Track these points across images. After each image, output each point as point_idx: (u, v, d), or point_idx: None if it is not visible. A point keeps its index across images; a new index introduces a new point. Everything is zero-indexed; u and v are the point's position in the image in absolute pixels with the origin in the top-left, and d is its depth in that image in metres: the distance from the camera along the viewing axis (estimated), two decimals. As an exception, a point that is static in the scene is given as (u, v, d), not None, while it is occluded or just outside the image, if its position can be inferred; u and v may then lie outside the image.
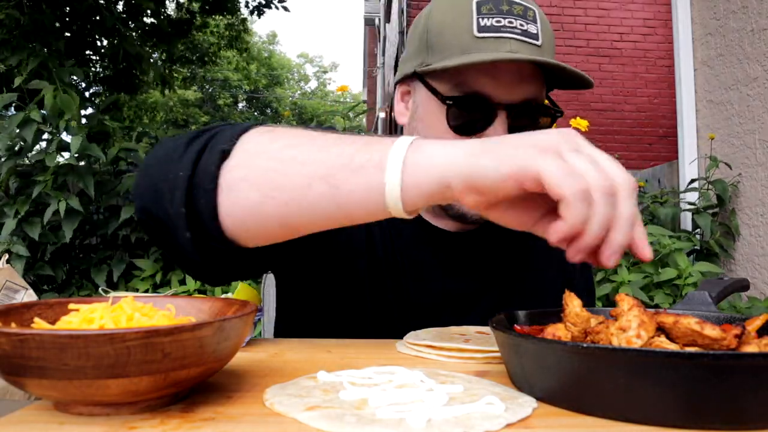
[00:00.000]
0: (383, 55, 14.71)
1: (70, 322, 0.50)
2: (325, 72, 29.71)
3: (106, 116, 3.32)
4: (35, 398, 0.53)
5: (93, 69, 6.05)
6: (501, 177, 0.49)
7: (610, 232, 0.48)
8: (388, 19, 12.56)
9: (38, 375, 0.42)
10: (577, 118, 2.68)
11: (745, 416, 0.42)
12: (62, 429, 0.43)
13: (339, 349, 0.73)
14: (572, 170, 0.47)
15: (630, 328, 0.50)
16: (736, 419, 0.42)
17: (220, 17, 6.79)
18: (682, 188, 3.09)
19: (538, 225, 0.55)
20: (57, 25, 4.94)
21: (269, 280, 1.30)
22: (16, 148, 2.98)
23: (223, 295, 0.73)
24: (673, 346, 0.48)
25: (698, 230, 2.86)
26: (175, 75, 6.55)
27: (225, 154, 0.60)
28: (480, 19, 0.80)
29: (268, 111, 23.81)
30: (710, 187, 2.79)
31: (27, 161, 3.08)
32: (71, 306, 0.53)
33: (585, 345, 0.45)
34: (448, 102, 0.83)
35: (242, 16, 6.81)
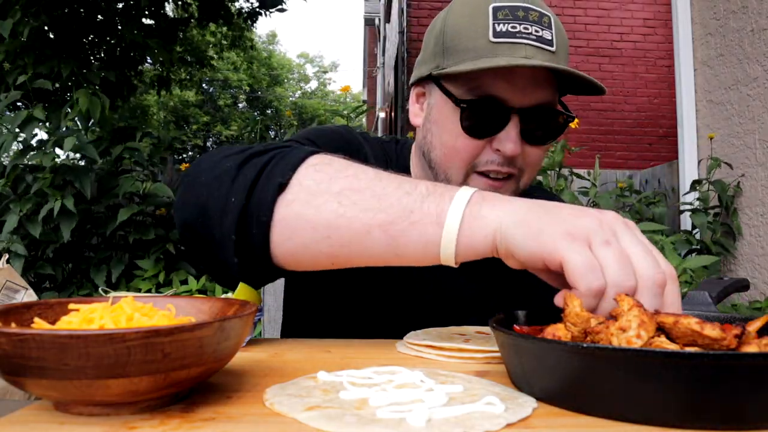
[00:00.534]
0: (383, 55, 14.72)
1: (70, 322, 0.50)
2: (325, 72, 29.72)
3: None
4: (35, 398, 0.54)
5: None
6: (530, 255, 0.53)
7: None
8: (388, 19, 12.56)
9: (38, 375, 0.42)
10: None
11: (745, 416, 0.42)
12: (62, 429, 0.43)
13: (339, 349, 0.73)
14: (594, 266, 0.50)
15: (630, 328, 0.49)
16: (736, 419, 0.42)
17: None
18: (682, 188, 3.09)
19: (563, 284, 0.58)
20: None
21: (269, 280, 1.30)
22: (21, 147, 2.99)
23: (223, 295, 0.73)
24: (673, 347, 0.48)
25: (697, 231, 2.86)
26: (173, 77, 6.54)
27: (282, 187, 0.61)
28: (496, 25, 0.81)
29: (269, 111, 23.82)
30: (711, 187, 2.79)
31: (28, 159, 3.09)
32: (71, 306, 0.53)
33: (585, 345, 0.45)
34: (462, 105, 0.84)
35: (245, 11, 6.79)
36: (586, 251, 0.51)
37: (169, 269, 3.05)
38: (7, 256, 0.90)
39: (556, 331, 0.58)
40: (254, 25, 6.62)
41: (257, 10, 6.50)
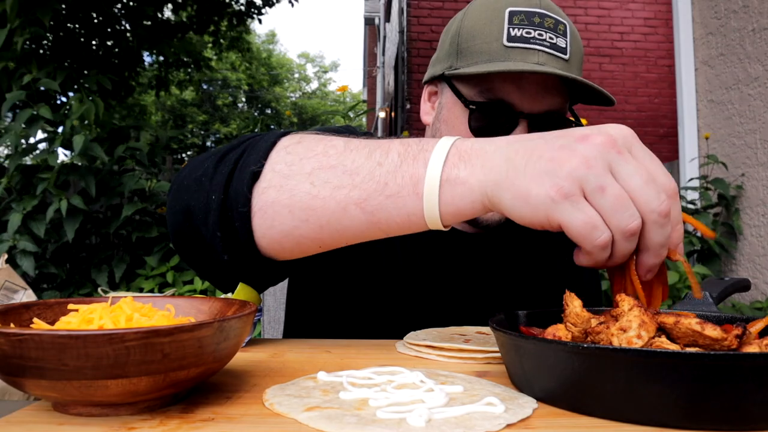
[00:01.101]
0: (383, 54, 14.71)
1: (69, 322, 0.50)
2: (325, 72, 29.71)
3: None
4: (34, 399, 0.53)
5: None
6: (528, 221, 0.51)
7: (640, 255, 0.51)
8: (388, 18, 12.56)
9: (37, 375, 0.42)
10: (578, 117, 2.68)
11: (745, 417, 0.42)
12: (61, 429, 0.43)
13: (339, 349, 0.73)
14: (594, 222, 0.48)
15: (631, 328, 0.49)
16: (736, 420, 0.42)
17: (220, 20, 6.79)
18: (682, 188, 3.09)
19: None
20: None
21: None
22: (23, 146, 2.99)
23: (223, 296, 0.73)
24: (673, 347, 0.48)
25: (696, 230, 2.86)
26: (171, 78, 6.56)
27: (256, 176, 0.60)
28: (511, 29, 0.81)
29: (268, 111, 23.81)
30: (710, 186, 2.79)
31: (31, 159, 3.10)
32: (70, 306, 0.53)
33: (585, 345, 0.45)
34: (471, 107, 0.85)
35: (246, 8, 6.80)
36: (583, 206, 0.48)
37: (176, 268, 3.05)
38: (5, 256, 0.90)
39: (557, 332, 0.58)
40: (249, 28, 6.63)
41: (251, 12, 6.51)
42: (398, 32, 8.68)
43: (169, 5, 6.03)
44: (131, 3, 5.51)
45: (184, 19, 6.23)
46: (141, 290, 2.91)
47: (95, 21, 5.27)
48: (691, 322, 0.48)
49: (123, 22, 5.66)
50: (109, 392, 0.43)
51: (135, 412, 0.46)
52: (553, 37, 0.81)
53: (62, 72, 3.13)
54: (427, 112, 0.97)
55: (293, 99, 25.62)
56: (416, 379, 0.53)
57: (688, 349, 0.48)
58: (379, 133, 13.43)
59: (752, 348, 0.49)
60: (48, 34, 4.24)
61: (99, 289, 0.89)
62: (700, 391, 0.41)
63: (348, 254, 0.91)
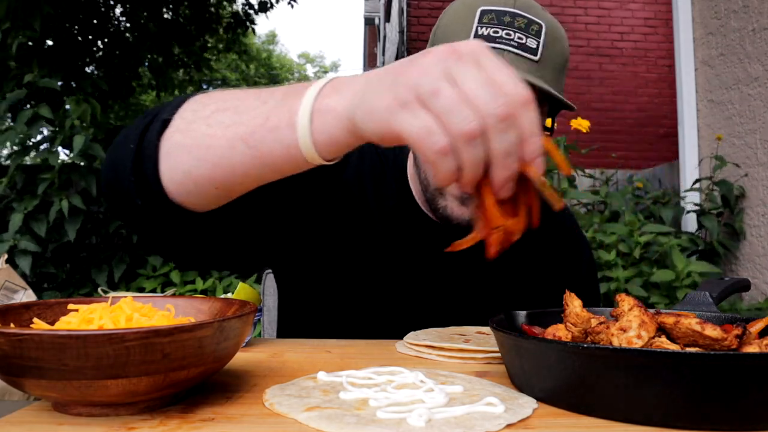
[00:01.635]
0: (383, 54, 14.71)
1: (69, 322, 0.50)
2: (325, 72, 29.70)
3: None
4: (34, 399, 0.53)
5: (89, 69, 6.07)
6: (379, 137, 0.50)
7: (491, 169, 0.47)
8: (388, 18, 12.56)
9: (37, 375, 0.42)
10: (578, 118, 2.68)
11: (745, 417, 0.42)
12: (61, 429, 0.43)
13: (339, 349, 0.73)
14: (429, 127, 0.46)
15: (631, 328, 0.49)
16: (736, 420, 0.42)
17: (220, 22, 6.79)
18: (683, 188, 3.09)
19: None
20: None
21: (269, 281, 1.30)
22: (23, 145, 2.99)
23: (223, 295, 0.73)
24: (673, 347, 0.48)
25: (699, 231, 2.86)
26: (172, 77, 6.57)
27: (166, 123, 0.63)
28: (479, 28, 0.80)
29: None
30: (714, 187, 2.79)
31: (31, 159, 3.10)
32: (70, 306, 0.53)
33: (585, 345, 0.45)
34: None
35: (244, 10, 6.79)
36: (419, 113, 0.46)
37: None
38: (5, 256, 0.90)
39: (557, 332, 0.58)
40: (245, 33, 6.63)
41: (248, 14, 6.52)
42: (398, 32, 8.68)
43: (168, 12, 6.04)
44: (127, 6, 5.52)
45: (182, 20, 6.24)
46: (143, 290, 2.91)
47: (95, 21, 5.26)
48: (691, 322, 0.48)
49: (122, 20, 5.66)
50: (109, 392, 0.43)
51: (135, 412, 0.46)
52: (523, 37, 0.79)
53: (57, 75, 3.14)
54: None
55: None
56: (416, 379, 0.53)
57: (688, 349, 0.48)
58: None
59: (752, 348, 0.49)
60: (46, 39, 4.24)
61: (99, 289, 0.89)
62: (700, 391, 0.41)
63: (345, 254, 0.91)
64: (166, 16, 6.15)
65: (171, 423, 0.44)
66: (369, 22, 18.12)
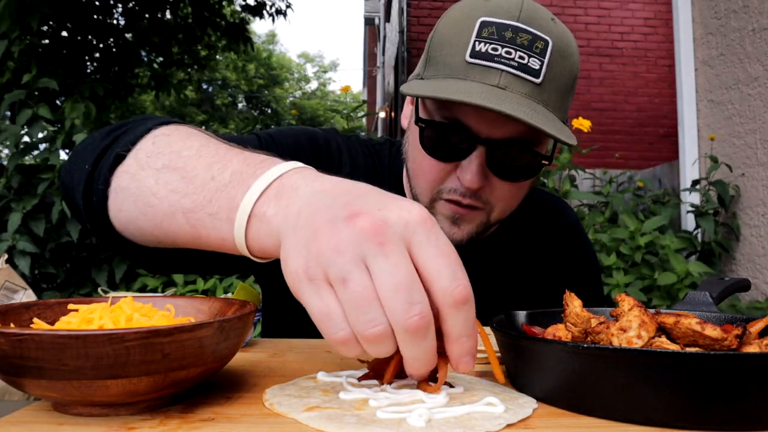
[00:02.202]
0: (383, 54, 14.71)
1: (69, 322, 0.50)
2: (325, 71, 29.71)
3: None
4: (34, 399, 0.53)
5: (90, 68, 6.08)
6: (288, 284, 0.45)
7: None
8: (388, 18, 12.56)
9: (37, 375, 0.42)
10: (579, 118, 2.68)
11: (745, 417, 0.42)
12: (61, 430, 0.43)
13: (339, 349, 0.73)
14: (329, 314, 0.42)
15: (631, 328, 0.49)
16: (736, 420, 0.42)
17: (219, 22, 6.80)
18: (682, 188, 3.09)
19: None
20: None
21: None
22: (22, 146, 3.00)
23: (223, 295, 0.73)
24: (673, 347, 0.48)
25: (697, 231, 2.86)
26: (172, 78, 6.58)
27: (119, 158, 0.62)
28: (477, 43, 0.74)
29: (268, 111, 23.83)
30: (711, 188, 2.79)
31: (31, 159, 3.10)
32: (70, 306, 0.53)
33: (585, 345, 0.45)
34: (420, 125, 0.79)
35: (241, 16, 6.81)
36: (324, 293, 0.42)
37: None
38: (6, 256, 0.90)
39: (557, 332, 0.58)
40: (244, 38, 6.65)
41: (245, 19, 6.54)
42: (398, 32, 8.69)
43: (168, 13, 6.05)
44: (128, 6, 5.53)
45: (180, 20, 6.25)
46: (145, 287, 2.91)
47: (96, 17, 5.27)
48: (691, 322, 0.48)
49: (121, 19, 5.67)
50: (109, 392, 0.43)
51: (135, 412, 0.46)
52: (525, 56, 0.72)
53: (53, 80, 3.15)
54: (405, 116, 0.92)
55: (291, 99, 25.59)
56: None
57: (688, 349, 0.48)
58: (380, 133, 13.41)
59: (752, 348, 0.49)
60: (44, 41, 4.26)
61: (99, 289, 0.89)
62: (700, 391, 0.41)
63: None
64: (166, 16, 6.15)
65: (171, 423, 0.44)
66: (369, 22, 18.12)
